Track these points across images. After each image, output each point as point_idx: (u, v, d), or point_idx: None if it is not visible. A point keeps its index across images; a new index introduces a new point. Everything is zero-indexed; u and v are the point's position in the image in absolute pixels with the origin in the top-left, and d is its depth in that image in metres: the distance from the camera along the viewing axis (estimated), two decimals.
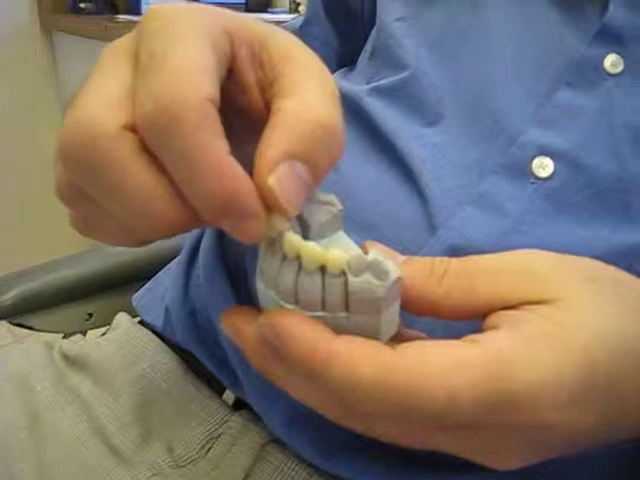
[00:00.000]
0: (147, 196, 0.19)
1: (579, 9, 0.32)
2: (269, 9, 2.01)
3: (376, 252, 0.20)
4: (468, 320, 0.22)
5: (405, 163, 0.32)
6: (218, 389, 0.39)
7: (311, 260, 0.20)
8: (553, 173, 0.29)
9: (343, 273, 0.20)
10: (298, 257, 0.20)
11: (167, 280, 0.44)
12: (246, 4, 1.92)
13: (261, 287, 0.22)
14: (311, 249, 0.20)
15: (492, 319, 0.21)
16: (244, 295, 0.35)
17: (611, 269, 0.23)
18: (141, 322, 0.46)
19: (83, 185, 0.20)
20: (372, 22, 0.43)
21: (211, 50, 0.20)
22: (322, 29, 0.50)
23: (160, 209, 0.19)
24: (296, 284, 0.20)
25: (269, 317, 0.20)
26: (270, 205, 0.19)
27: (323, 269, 0.20)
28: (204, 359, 0.38)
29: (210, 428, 0.36)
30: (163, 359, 0.41)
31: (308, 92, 0.20)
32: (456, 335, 0.21)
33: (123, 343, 0.43)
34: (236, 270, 0.36)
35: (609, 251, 0.27)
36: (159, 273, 0.47)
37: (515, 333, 0.20)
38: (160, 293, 0.44)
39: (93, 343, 0.45)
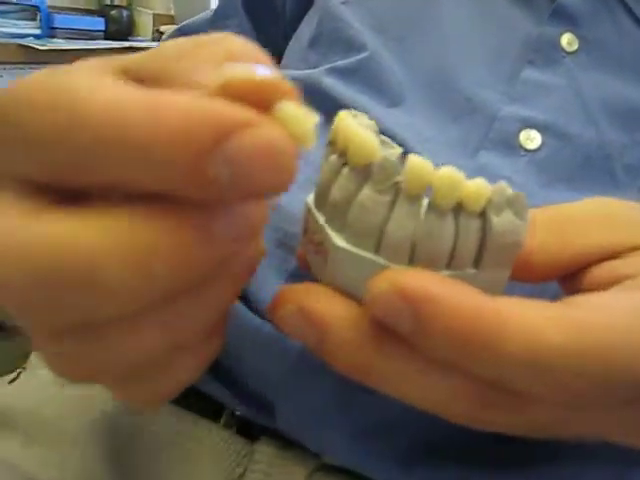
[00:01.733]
0: None
1: None
2: (130, 37, 1.93)
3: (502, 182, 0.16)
4: (560, 276, 0.19)
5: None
6: (214, 412, 0.29)
7: (448, 193, 0.15)
8: (541, 144, 0.29)
9: (482, 212, 0.15)
10: (418, 195, 0.15)
11: None
12: (105, 31, 1.84)
13: (344, 248, 0.16)
14: (451, 176, 0.15)
15: (602, 271, 0.18)
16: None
17: None
18: None
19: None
20: (294, 20, 0.42)
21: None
22: (239, 24, 0.47)
23: None
24: (415, 232, 0.15)
25: (394, 280, 0.14)
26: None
27: (456, 209, 0.15)
28: None
29: (226, 468, 0.26)
30: None
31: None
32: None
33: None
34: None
35: None
36: None
37: None
38: None
39: (13, 390, 0.33)
